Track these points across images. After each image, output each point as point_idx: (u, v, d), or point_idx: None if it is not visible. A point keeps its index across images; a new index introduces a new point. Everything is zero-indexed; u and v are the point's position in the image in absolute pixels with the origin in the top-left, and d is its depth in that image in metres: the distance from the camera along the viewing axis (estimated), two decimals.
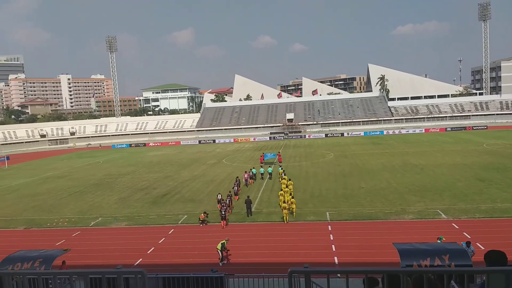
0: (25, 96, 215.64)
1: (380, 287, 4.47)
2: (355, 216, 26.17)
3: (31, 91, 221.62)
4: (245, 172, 40.46)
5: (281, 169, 41.15)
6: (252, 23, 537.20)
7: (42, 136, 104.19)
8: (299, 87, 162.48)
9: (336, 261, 19.28)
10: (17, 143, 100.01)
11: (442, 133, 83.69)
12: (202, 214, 26.64)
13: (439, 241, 16.74)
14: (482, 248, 18.47)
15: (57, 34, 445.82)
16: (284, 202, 27.04)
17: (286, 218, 25.88)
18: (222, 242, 19.96)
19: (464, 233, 21.49)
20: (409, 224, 24.19)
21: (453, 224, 23.43)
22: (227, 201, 29.03)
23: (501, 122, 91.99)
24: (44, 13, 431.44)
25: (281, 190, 30.93)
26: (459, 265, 9.29)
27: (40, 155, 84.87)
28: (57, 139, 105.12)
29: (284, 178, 34.71)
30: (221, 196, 30.54)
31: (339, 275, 3.85)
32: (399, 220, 24.88)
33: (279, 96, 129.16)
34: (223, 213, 26.04)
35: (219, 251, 19.79)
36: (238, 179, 36.68)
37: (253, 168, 42.77)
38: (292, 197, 27.84)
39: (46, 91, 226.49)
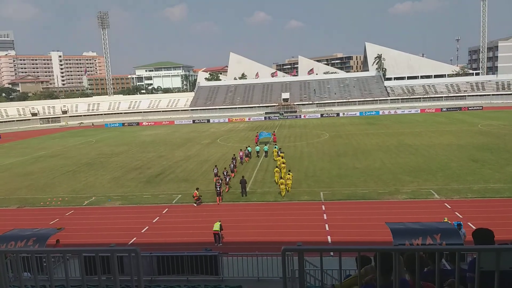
0: (15, 74, 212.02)
1: (373, 265, 4.52)
2: (349, 196, 26.41)
3: (22, 68, 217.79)
4: (240, 150, 40.97)
5: (276, 147, 42.39)
6: None
7: (34, 114, 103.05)
8: (295, 65, 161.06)
9: (330, 240, 19.53)
10: (8, 121, 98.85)
11: (438, 113, 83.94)
12: (196, 191, 26.71)
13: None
14: (473, 227, 18.78)
15: (48, 9, 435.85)
16: (281, 178, 28.36)
17: (283, 193, 26.86)
18: (219, 223, 19.93)
19: (456, 213, 21.81)
20: (402, 204, 24.49)
21: (445, 204, 23.74)
22: (226, 178, 29.86)
23: (496, 103, 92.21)
24: None
25: (277, 167, 31.93)
26: (451, 244, 9.44)
27: (31, 133, 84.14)
28: (49, 118, 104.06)
29: (280, 156, 35.54)
30: (217, 170, 31.89)
31: (332, 253, 3.87)
32: (392, 200, 25.16)
33: (275, 74, 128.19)
34: (218, 189, 26.58)
35: (219, 232, 19.72)
36: (234, 157, 37.21)
37: (249, 146, 43.63)
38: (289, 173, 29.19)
39: (37, 68, 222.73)
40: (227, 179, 29.84)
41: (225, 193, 28.19)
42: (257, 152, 43.39)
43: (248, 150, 41.69)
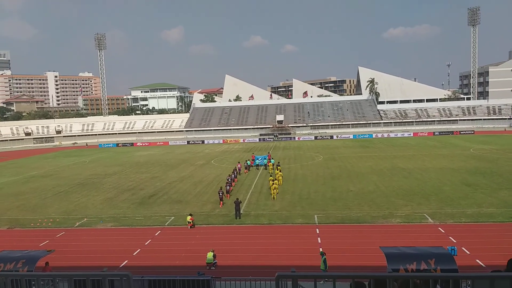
0: (10, 93, 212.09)
1: None
2: (343, 219, 26.29)
3: (17, 88, 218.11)
4: (239, 162, 47.73)
5: (272, 161, 47.36)
6: (243, 22, 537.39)
7: (27, 134, 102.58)
8: (290, 88, 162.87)
9: None
10: (1, 141, 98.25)
11: (430, 137, 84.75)
12: (190, 216, 26.39)
13: (322, 256, 17.51)
14: (468, 252, 18.70)
15: (45, 30, 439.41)
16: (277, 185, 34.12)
17: (274, 196, 31.91)
18: (212, 253, 19.61)
19: (450, 238, 21.74)
20: (396, 228, 24.37)
21: (439, 228, 23.68)
22: (230, 181, 36.17)
23: (487, 127, 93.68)
24: (32, 8, 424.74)
25: (270, 175, 38.72)
26: (445, 269, 9.39)
27: (24, 153, 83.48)
28: (43, 138, 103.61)
29: (277, 169, 41.02)
30: (229, 178, 37.57)
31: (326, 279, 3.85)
32: (386, 224, 25.05)
33: (270, 97, 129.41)
34: (220, 195, 30.98)
35: (212, 262, 19.34)
36: (235, 169, 43.45)
37: (248, 160, 49.54)
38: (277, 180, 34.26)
39: (32, 88, 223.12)
40: (228, 187, 34.49)
41: (219, 215, 28.60)
42: (256, 165, 49.05)
43: (247, 163, 47.68)
